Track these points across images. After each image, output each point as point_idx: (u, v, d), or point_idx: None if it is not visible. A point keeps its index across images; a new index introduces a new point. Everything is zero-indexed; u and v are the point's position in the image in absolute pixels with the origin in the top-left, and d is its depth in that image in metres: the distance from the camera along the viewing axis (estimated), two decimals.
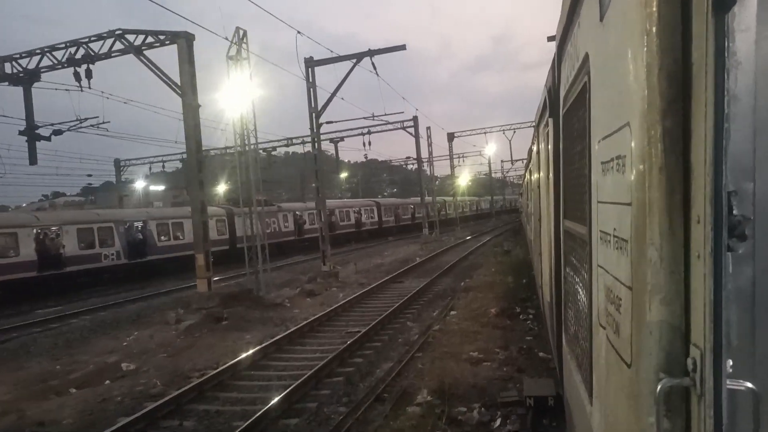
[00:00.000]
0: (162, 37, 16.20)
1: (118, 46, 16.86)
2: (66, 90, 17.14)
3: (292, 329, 12.52)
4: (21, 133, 18.60)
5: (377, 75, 19.96)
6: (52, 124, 18.82)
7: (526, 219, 21.11)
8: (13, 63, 17.99)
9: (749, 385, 1.19)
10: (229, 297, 16.55)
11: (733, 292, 1.18)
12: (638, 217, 1.41)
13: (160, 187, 63.24)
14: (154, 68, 16.08)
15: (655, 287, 1.33)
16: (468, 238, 41.39)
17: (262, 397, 8.32)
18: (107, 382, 10.01)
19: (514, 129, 46.31)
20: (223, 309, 14.67)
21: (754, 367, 1.23)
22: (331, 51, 20.26)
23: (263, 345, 11.10)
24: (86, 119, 18.88)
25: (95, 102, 20.53)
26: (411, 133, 38.06)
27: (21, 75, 17.92)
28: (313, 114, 19.91)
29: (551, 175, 4.58)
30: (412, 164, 52.23)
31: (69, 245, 23.69)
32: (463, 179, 73.48)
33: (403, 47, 19.35)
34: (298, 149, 51.44)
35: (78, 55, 17.06)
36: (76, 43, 17.16)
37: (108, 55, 17.03)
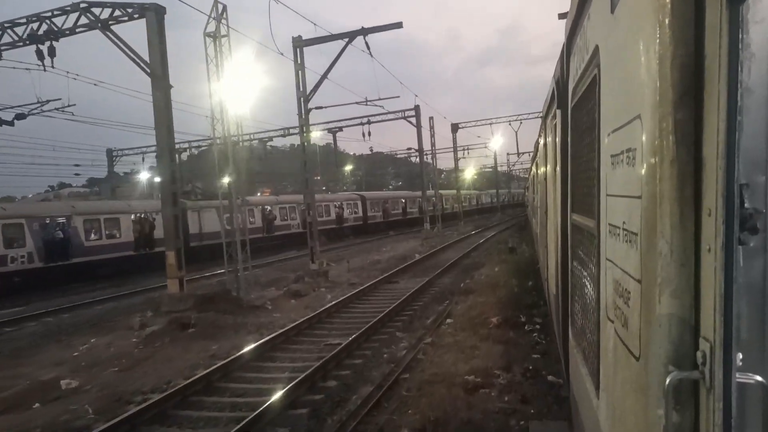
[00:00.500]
0: (130, 11, 14.58)
1: (84, 21, 15.25)
2: (26, 69, 15.54)
3: (266, 338, 10.97)
4: None
5: (371, 55, 18.30)
6: (12, 107, 17.25)
7: (532, 212, 20.63)
8: None
9: (759, 378, 1.20)
10: (205, 299, 15.00)
11: (744, 285, 1.18)
12: (649, 210, 1.40)
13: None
14: (120, 44, 14.47)
15: (665, 280, 1.32)
16: (472, 233, 39.72)
17: None
18: (36, 405, 8.49)
19: (521, 120, 44.37)
20: (192, 313, 13.13)
21: (764, 360, 1.24)
22: (328, 31, 18.67)
23: (227, 360, 9.53)
24: (48, 101, 17.29)
25: (75, 85, 18.98)
26: (412, 123, 36.33)
27: None
28: (302, 99, 18.25)
29: (558, 167, 4.47)
30: (416, 156, 50.11)
31: None
32: (468, 172, 71.83)
33: (399, 25, 17.65)
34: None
35: (40, 31, 15.46)
36: (39, 18, 15.56)
37: (72, 31, 15.42)
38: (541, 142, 8.51)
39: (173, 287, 14.51)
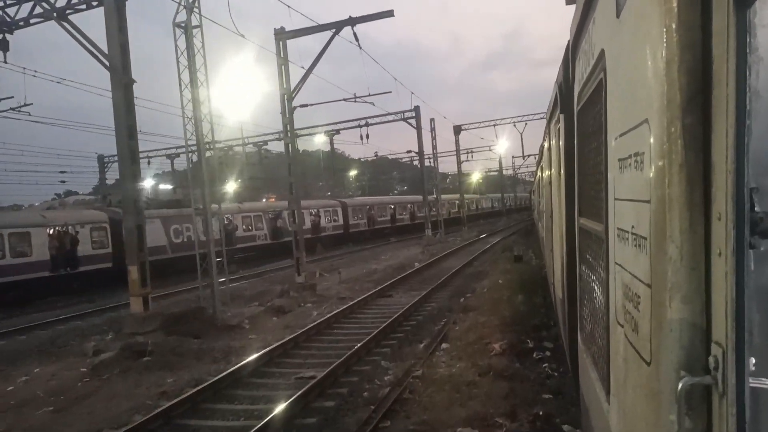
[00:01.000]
0: None
1: (39, 10, 13.76)
2: None
3: (230, 369, 9.34)
4: None
5: (359, 47, 16.70)
6: None
7: (538, 217, 19.90)
8: None
9: None
10: (174, 318, 13.42)
11: (755, 289, 1.16)
12: (658, 214, 1.41)
13: (168, 186, 60.62)
14: (76, 34, 12.95)
15: (675, 285, 1.32)
16: (475, 239, 38.00)
17: None
18: None
19: (526, 121, 42.74)
20: (153, 337, 11.53)
21: None
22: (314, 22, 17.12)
23: (173, 402, 7.91)
24: (1, 99, 15.82)
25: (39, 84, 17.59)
26: (412, 125, 34.76)
27: None
28: (285, 96, 16.67)
29: (563, 172, 4.51)
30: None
31: None
32: (473, 176, 70.02)
33: (390, 13, 16.03)
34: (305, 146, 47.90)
35: None
36: None
37: (27, 22, 13.96)
38: (546, 146, 8.41)
39: (137, 306, 12.92)
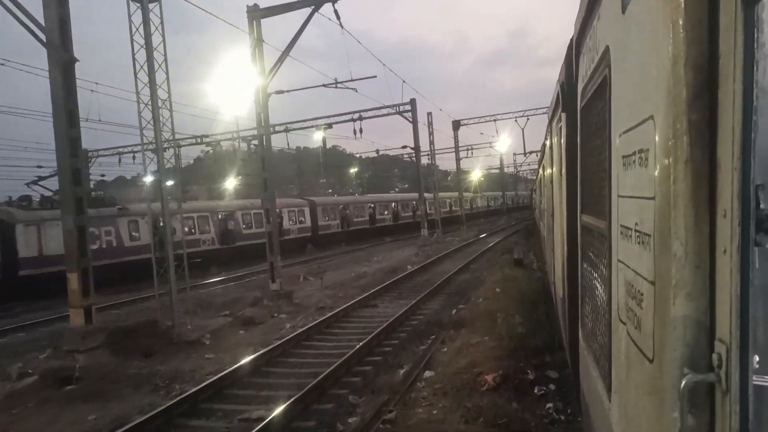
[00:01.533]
0: None
1: None
2: None
3: (164, 406, 7.63)
4: None
5: (340, 26, 14.93)
6: None
7: (540, 215, 19.28)
8: None
9: None
10: (121, 333, 11.72)
11: (760, 287, 1.15)
12: (662, 211, 1.40)
13: (170, 182, 58.79)
14: (7, 2, 11.20)
15: (679, 282, 1.31)
16: (474, 239, 36.25)
17: None
18: None
19: (528, 116, 40.83)
20: (77, 363, 9.81)
21: None
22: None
23: None
24: None
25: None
26: (408, 119, 33.00)
27: None
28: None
29: (565, 170, 4.49)
30: (424, 156, 45.88)
31: None
32: (474, 174, 68.08)
33: None
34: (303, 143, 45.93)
35: None
36: None
37: None
38: (548, 144, 8.32)
39: (77, 319, 11.21)
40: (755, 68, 1.10)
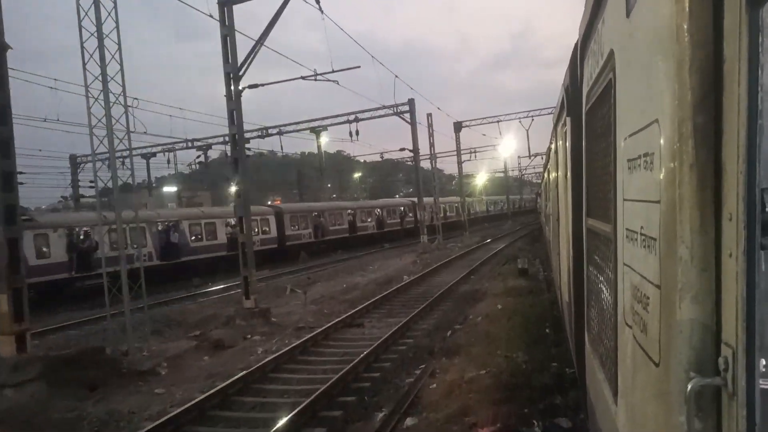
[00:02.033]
0: None
1: None
2: None
3: None
4: None
5: (321, 11, 13.34)
6: None
7: (545, 219, 18.44)
8: None
9: None
10: (61, 363, 10.12)
11: (766, 290, 1.14)
12: (668, 214, 1.39)
13: (173, 189, 57.45)
14: None
15: (685, 286, 1.30)
16: (477, 245, 34.53)
17: None
18: None
19: (533, 117, 39.15)
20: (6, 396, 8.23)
21: None
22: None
23: None
24: None
25: None
26: (406, 120, 31.41)
27: None
28: (230, 74, 13.34)
29: (570, 173, 4.47)
30: (426, 160, 43.91)
31: None
32: (478, 177, 66.27)
33: None
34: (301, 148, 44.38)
35: None
36: None
37: None
38: (553, 148, 8.27)
39: (6, 348, 9.63)
40: (760, 71, 1.11)
